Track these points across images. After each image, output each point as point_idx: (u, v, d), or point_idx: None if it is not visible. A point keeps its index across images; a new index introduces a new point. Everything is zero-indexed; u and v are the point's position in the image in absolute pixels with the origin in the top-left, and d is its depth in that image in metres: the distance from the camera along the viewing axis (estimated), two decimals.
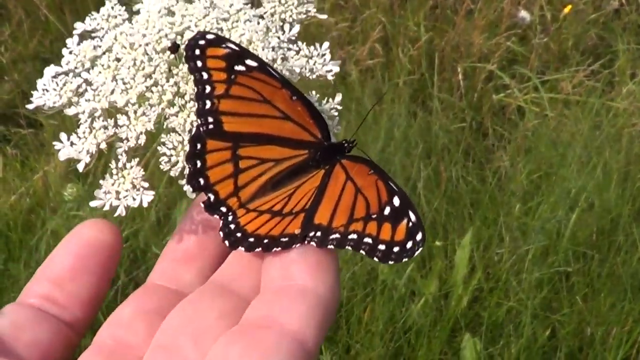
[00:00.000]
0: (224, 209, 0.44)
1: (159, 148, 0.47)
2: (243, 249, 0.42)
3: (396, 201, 0.42)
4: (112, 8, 0.52)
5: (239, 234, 0.43)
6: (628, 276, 1.61)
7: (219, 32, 0.50)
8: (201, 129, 0.45)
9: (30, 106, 0.49)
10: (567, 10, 2.24)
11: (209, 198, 0.45)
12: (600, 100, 2.11)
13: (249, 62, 0.46)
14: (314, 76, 0.50)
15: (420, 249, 0.41)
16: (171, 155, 0.47)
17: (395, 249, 0.41)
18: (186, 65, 0.48)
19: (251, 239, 0.42)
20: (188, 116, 0.47)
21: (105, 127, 0.47)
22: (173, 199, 1.87)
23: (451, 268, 1.62)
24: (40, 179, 2.02)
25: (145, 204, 0.47)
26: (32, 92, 0.50)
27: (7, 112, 2.43)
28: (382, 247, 0.41)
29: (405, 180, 1.80)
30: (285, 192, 0.45)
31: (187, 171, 0.45)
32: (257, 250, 0.42)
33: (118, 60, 0.49)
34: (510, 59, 2.31)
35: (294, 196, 0.45)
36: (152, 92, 0.48)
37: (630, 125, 2.05)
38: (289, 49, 0.50)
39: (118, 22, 0.52)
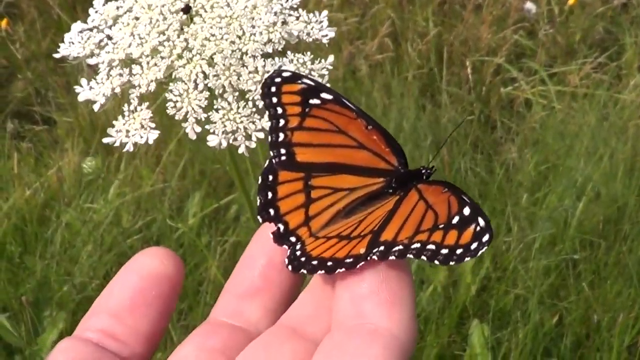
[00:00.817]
0: (293, 239, 0.43)
1: (166, 95, 0.51)
2: (305, 271, 0.41)
3: (466, 210, 0.40)
4: None
5: (303, 258, 0.41)
6: (634, 263, 1.63)
7: None
8: (274, 160, 0.46)
9: (57, 55, 0.54)
10: (571, 1, 2.28)
11: (278, 229, 0.44)
12: (608, 93, 2.14)
13: (324, 95, 0.47)
14: (311, 39, 0.54)
15: (485, 248, 0.39)
16: (177, 101, 0.51)
17: (459, 250, 0.39)
18: (197, 25, 0.51)
19: (314, 262, 0.41)
20: (194, 68, 0.51)
21: (121, 75, 0.52)
22: (186, 191, 1.91)
23: None
24: (54, 174, 2.06)
25: (150, 141, 0.51)
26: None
27: (21, 109, 2.47)
28: (444, 251, 0.39)
29: None
30: (357, 218, 0.44)
31: (257, 203, 0.45)
32: (320, 272, 0.40)
33: (137, 19, 0.54)
34: (518, 53, 2.34)
35: (364, 221, 0.43)
36: (164, 46, 0.52)
37: (637, 117, 2.08)
38: (290, 15, 0.54)
39: None
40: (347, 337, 0.36)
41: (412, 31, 2.30)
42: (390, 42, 2.27)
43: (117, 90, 0.52)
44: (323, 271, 0.40)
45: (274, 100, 0.46)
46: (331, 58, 0.53)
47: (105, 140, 0.51)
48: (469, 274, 1.60)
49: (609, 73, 2.24)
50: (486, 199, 1.80)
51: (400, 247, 0.39)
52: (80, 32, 0.55)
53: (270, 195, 0.45)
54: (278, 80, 0.46)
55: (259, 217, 0.45)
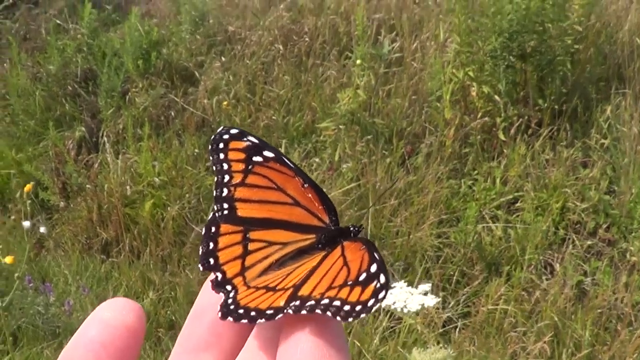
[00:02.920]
0: (229, 287, 0.46)
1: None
2: (232, 319, 0.42)
3: (373, 267, 0.43)
4: None
5: (232, 306, 0.43)
6: None
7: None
8: (217, 214, 0.49)
9: None
10: None
11: (216, 277, 0.46)
12: None
13: (266, 153, 0.50)
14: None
15: (378, 304, 0.41)
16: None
17: (358, 307, 0.40)
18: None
19: (240, 310, 0.43)
20: None
21: None
22: None
23: None
24: None
25: None
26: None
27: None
28: (347, 307, 0.40)
29: None
30: (286, 271, 0.47)
31: (200, 252, 0.48)
32: (243, 321, 0.42)
33: None
34: None
35: (290, 275, 0.46)
36: None
37: None
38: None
39: None
40: None
41: (570, 338, 2.60)
42: (547, 346, 2.57)
43: None
44: (246, 320, 0.42)
45: (221, 156, 0.50)
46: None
47: None
48: None
49: None
50: None
51: (312, 302, 0.41)
52: None
53: (211, 245, 0.48)
54: (226, 137, 0.50)
55: (199, 265, 0.48)
